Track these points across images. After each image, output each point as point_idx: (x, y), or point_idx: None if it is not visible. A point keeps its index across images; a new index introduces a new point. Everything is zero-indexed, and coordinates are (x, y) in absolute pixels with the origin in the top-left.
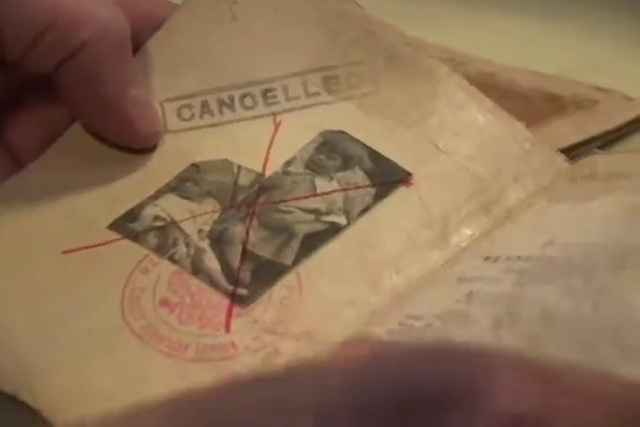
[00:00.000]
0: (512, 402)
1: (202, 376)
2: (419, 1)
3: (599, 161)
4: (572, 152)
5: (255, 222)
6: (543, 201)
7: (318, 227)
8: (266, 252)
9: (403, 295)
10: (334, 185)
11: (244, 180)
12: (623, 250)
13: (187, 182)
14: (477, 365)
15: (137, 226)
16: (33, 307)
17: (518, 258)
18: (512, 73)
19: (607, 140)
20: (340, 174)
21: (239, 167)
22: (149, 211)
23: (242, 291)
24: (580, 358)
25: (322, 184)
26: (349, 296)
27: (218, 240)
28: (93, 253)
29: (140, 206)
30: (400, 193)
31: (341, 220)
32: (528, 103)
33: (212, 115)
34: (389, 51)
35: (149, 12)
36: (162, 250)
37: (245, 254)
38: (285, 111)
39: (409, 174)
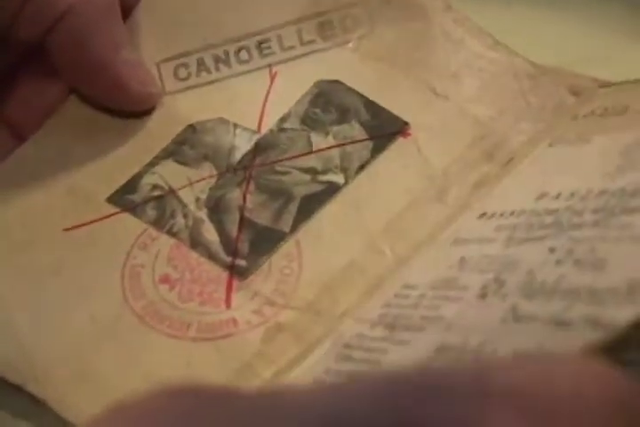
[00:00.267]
0: None
1: (204, 356)
2: None
3: (599, 94)
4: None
5: (252, 186)
6: (544, 143)
7: (316, 188)
8: (263, 219)
9: (402, 258)
10: (330, 140)
11: (239, 139)
12: (609, 203)
13: (183, 146)
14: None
15: (136, 197)
16: (36, 294)
17: (511, 214)
18: None
19: None
20: (336, 128)
21: (235, 126)
22: (147, 180)
23: (240, 262)
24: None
25: (318, 140)
26: (350, 262)
27: (215, 208)
28: (93, 230)
29: (139, 175)
30: (398, 145)
31: (339, 178)
32: None
33: (209, 72)
34: None
35: None
36: (160, 223)
37: (243, 222)
38: (281, 62)
39: (406, 124)
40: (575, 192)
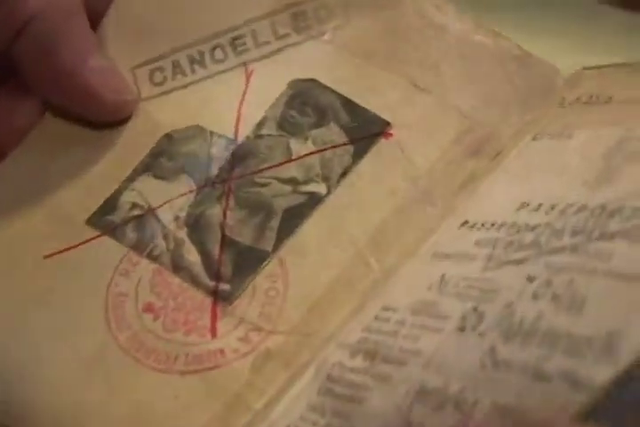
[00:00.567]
0: None
1: (193, 389)
2: None
3: (586, 76)
4: None
5: (232, 201)
6: (529, 136)
7: (297, 200)
8: (245, 237)
9: (388, 269)
10: (310, 146)
11: (216, 148)
12: (588, 224)
13: (161, 158)
14: None
15: (115, 218)
16: (17, 326)
17: (492, 225)
18: None
19: None
20: (314, 132)
21: (211, 133)
22: (126, 197)
23: (224, 286)
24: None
25: (297, 147)
26: (337, 277)
27: (195, 226)
28: (74, 256)
29: (118, 192)
30: (380, 147)
31: (321, 188)
32: None
33: (185, 75)
34: None
35: None
36: (140, 246)
37: (225, 241)
38: (256, 60)
39: (388, 124)
40: (555, 205)
